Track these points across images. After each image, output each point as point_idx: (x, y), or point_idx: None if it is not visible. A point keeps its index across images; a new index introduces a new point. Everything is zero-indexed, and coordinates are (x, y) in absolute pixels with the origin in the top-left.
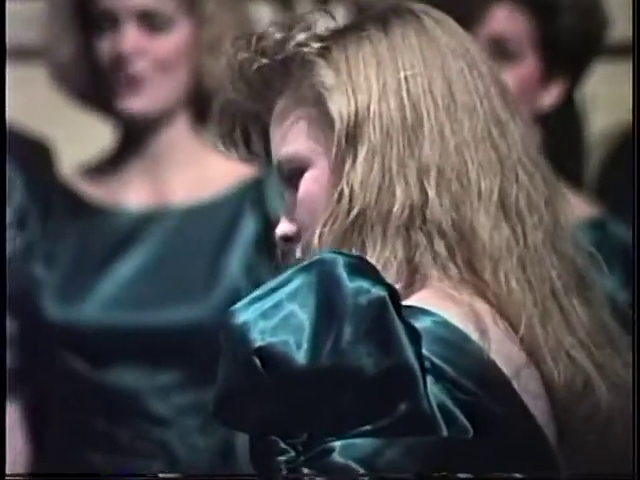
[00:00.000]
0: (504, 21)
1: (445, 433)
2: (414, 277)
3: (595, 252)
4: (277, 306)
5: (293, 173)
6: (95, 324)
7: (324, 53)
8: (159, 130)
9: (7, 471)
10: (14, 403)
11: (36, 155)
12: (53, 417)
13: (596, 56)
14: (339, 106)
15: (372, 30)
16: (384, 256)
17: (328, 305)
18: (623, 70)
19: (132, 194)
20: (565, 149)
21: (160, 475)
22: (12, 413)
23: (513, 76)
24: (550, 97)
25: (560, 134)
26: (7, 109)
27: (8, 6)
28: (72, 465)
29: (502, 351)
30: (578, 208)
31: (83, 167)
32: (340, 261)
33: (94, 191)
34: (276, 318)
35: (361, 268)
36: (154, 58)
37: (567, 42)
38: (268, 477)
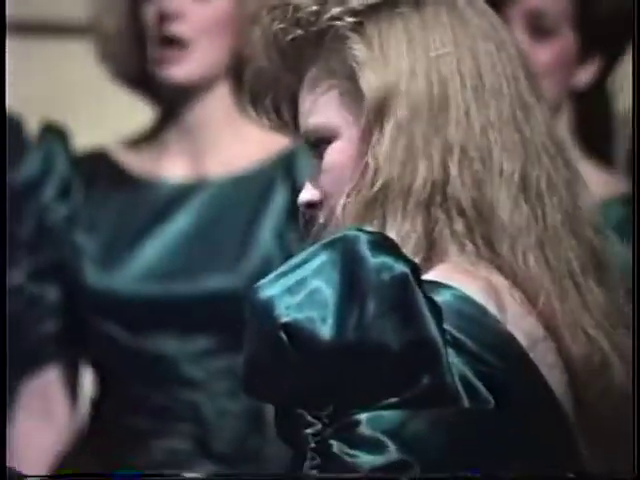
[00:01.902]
0: None
1: (467, 405)
2: (432, 251)
3: (612, 233)
4: (302, 282)
5: (320, 142)
6: (132, 292)
7: (357, 28)
8: (200, 100)
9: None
10: (54, 367)
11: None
12: (91, 380)
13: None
14: (369, 80)
15: (405, 7)
16: (404, 229)
17: (352, 281)
18: None
19: (171, 166)
20: (596, 127)
21: (185, 475)
22: (51, 374)
23: (549, 51)
24: (586, 75)
25: (591, 112)
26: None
27: None
28: (108, 424)
29: (519, 324)
30: (609, 185)
31: (125, 139)
32: (362, 238)
33: (135, 162)
34: (301, 294)
35: (383, 244)
36: (196, 23)
37: (605, 20)
38: (296, 449)
